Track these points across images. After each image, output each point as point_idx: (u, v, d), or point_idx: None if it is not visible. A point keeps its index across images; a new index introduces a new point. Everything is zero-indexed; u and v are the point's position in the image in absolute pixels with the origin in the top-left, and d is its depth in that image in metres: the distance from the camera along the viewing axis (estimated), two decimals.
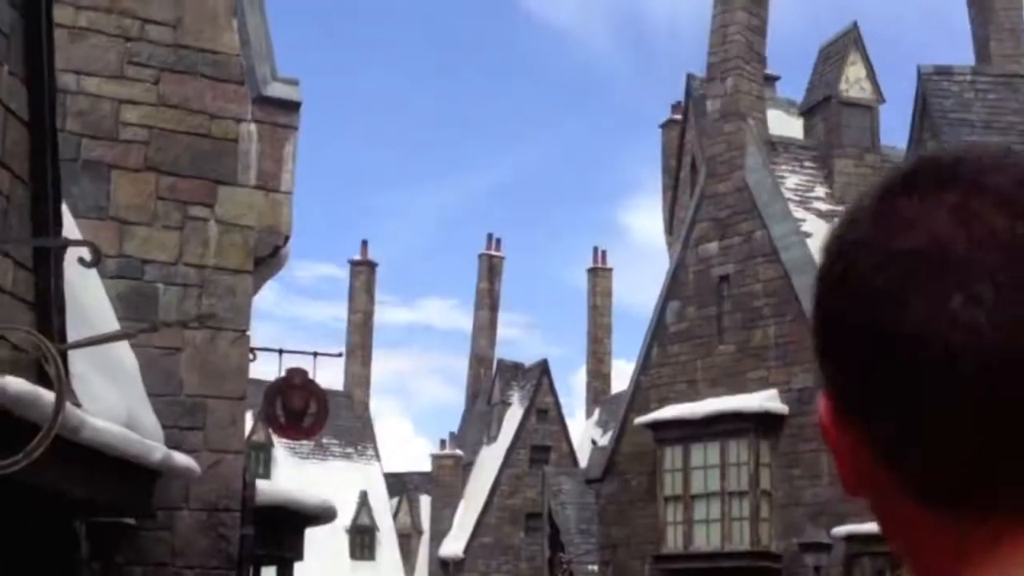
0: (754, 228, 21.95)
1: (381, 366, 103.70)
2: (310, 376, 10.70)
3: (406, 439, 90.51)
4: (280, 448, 38.14)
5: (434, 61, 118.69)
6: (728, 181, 22.62)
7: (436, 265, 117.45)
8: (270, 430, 10.86)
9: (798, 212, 22.13)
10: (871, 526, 14.31)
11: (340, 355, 10.84)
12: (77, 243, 6.06)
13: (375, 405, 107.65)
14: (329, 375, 43.24)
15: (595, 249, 46.66)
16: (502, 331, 46.85)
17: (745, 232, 22.07)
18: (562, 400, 44.78)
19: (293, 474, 37.48)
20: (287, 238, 9.13)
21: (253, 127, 9.00)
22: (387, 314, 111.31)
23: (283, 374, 10.65)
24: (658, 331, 22.99)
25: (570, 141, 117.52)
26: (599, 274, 45.88)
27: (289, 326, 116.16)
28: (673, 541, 20.94)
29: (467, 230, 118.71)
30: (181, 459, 6.64)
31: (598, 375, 44.52)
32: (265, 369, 11.25)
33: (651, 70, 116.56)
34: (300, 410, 10.55)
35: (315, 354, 10.79)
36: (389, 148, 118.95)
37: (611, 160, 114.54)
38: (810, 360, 20.43)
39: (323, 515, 8.93)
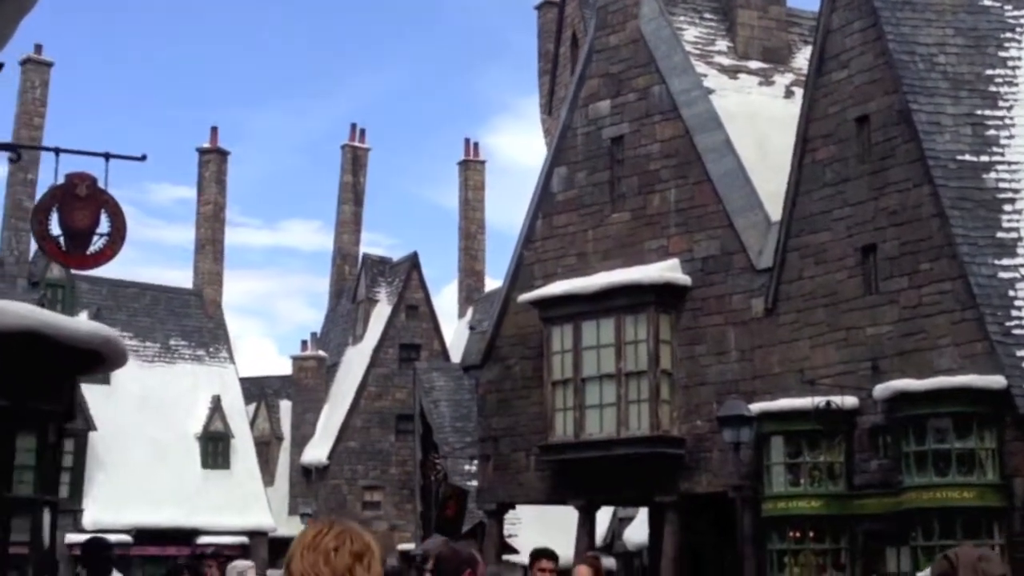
0: (651, 83, 19.58)
1: (242, 287, 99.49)
2: (100, 184, 7.81)
3: (270, 359, 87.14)
4: None
5: None
6: (622, 32, 20.14)
7: (298, 188, 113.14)
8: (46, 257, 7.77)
9: (699, 67, 19.83)
10: (784, 403, 11.84)
11: (142, 158, 7.97)
12: None
13: (237, 326, 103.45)
14: (178, 274, 39.64)
15: (467, 141, 43.83)
16: (366, 251, 43.32)
17: (641, 88, 19.68)
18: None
19: (135, 378, 34.10)
20: None
21: None
22: (249, 236, 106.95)
23: (61, 180, 7.74)
24: (543, 201, 20.55)
25: (427, 66, 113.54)
26: (471, 167, 43.12)
27: (143, 249, 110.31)
28: (562, 429, 18.77)
29: (328, 153, 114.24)
30: None
31: (471, 272, 42.02)
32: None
33: None
34: (85, 229, 7.68)
35: (107, 156, 7.89)
36: (245, 69, 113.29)
37: (470, 84, 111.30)
38: (714, 226, 18.31)
39: (105, 352, 6.11)
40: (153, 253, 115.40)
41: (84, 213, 7.66)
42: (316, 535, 2.54)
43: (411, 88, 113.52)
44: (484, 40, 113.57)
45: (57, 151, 7.74)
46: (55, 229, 7.70)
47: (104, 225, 7.77)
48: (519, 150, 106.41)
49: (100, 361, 6.28)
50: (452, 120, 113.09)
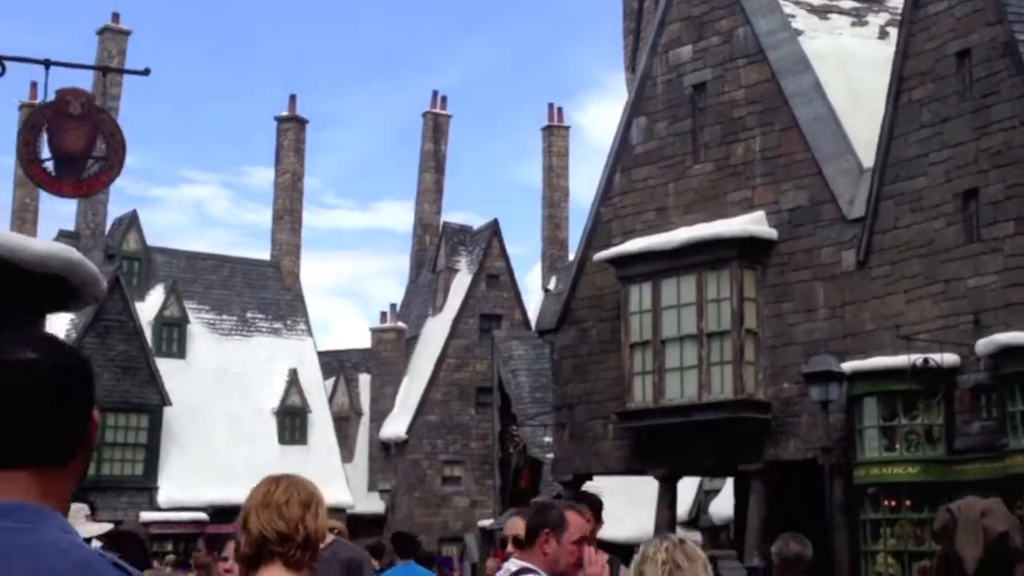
0: (735, 25, 18.37)
1: (337, 269, 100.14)
2: (96, 102, 7.05)
3: (362, 339, 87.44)
4: (197, 324, 34.09)
5: None
6: None
7: (389, 169, 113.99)
8: (40, 187, 6.96)
9: (786, 7, 18.59)
10: (878, 361, 10.40)
11: (145, 72, 7.20)
12: None
13: (331, 307, 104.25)
14: (253, 249, 39.36)
15: (550, 106, 42.68)
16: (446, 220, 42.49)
17: (724, 31, 18.49)
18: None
19: (212, 352, 33.73)
20: None
21: None
22: (343, 218, 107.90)
23: (52, 98, 7.00)
24: (621, 154, 19.50)
25: (514, 43, 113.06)
26: (555, 132, 42.03)
27: (243, 232, 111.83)
28: (641, 394, 17.76)
29: (417, 133, 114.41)
30: None
31: (555, 241, 41.02)
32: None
33: None
34: (78, 152, 6.92)
35: (105, 70, 7.27)
36: (340, 52, 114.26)
37: (558, 60, 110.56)
38: (802, 175, 17.08)
39: (72, 279, 5.32)
40: (248, 236, 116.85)
41: (77, 135, 6.90)
42: (266, 493, 2.82)
43: (501, 67, 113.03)
44: (573, 16, 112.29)
45: (47, 63, 7.00)
46: (45, 152, 6.96)
47: (100, 148, 7.01)
48: (606, 127, 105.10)
49: (70, 291, 5.44)
50: (541, 97, 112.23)
